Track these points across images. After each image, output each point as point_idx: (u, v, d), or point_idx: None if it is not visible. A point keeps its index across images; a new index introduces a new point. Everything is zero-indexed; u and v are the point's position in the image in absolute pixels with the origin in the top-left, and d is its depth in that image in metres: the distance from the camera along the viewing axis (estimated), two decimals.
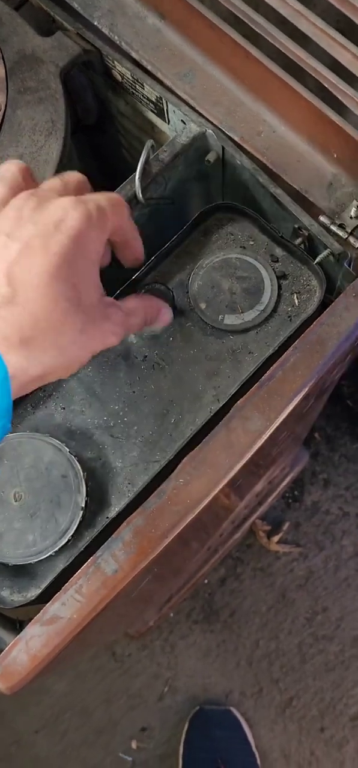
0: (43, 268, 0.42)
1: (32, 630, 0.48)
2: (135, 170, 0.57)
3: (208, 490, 0.50)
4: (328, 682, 1.24)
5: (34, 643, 0.48)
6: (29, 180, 0.47)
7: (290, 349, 0.53)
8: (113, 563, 0.49)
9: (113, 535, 0.50)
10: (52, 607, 0.49)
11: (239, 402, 0.52)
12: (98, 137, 0.77)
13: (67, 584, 0.49)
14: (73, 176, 0.48)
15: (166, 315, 0.54)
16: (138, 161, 0.58)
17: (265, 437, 0.51)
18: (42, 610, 0.49)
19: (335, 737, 1.21)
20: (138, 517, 0.50)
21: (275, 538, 1.30)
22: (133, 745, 1.24)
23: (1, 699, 1.27)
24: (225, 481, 0.51)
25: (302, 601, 1.28)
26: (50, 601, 0.49)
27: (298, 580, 1.29)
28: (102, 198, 0.46)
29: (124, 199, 0.49)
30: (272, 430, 0.51)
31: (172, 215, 0.65)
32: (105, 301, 0.47)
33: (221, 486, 0.51)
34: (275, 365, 0.52)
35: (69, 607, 0.49)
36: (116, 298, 0.58)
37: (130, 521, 0.50)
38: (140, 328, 0.52)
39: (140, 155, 0.58)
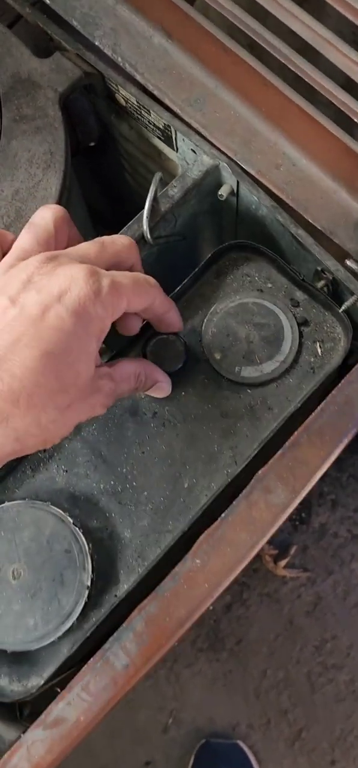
0: (35, 343, 0.38)
1: (34, 734, 0.44)
2: (141, 202, 0.52)
3: (227, 571, 0.45)
4: (338, 712, 1.19)
5: (36, 749, 0.43)
6: (63, 232, 0.44)
7: (317, 411, 0.48)
8: (124, 657, 0.44)
9: (124, 625, 0.45)
10: (57, 708, 0.44)
11: (260, 472, 0.47)
12: (99, 159, 0.72)
13: (72, 681, 0.44)
14: (114, 244, 0.44)
15: (164, 387, 0.51)
16: (145, 197, 0.53)
17: (290, 510, 0.46)
18: (45, 711, 0.44)
19: None
20: (151, 603, 0.45)
21: (282, 563, 1.26)
22: None
23: None
24: (246, 562, 0.46)
25: (311, 628, 1.23)
26: (54, 701, 0.44)
27: (306, 606, 1.25)
28: (124, 277, 0.41)
29: (131, 239, 0.45)
30: (297, 503, 0.46)
31: (183, 251, 0.60)
32: (99, 372, 0.43)
33: (241, 567, 0.46)
34: (299, 430, 0.48)
35: (75, 707, 0.44)
36: (124, 348, 0.54)
37: (142, 608, 0.45)
38: (131, 393, 0.49)
39: (148, 190, 0.53)
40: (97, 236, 0.45)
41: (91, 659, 0.44)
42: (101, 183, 0.76)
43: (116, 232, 0.53)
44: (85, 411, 0.43)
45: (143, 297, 0.43)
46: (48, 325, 0.37)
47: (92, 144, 0.67)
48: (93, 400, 0.43)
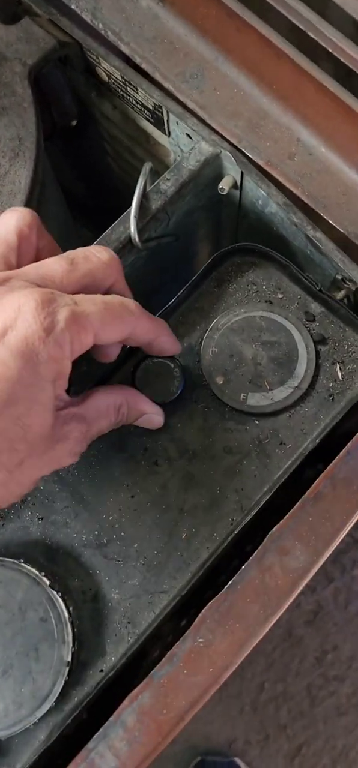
0: None
1: None
2: (126, 192, 0.44)
3: (236, 651, 0.38)
4: (340, 727, 1.13)
5: None
6: (29, 243, 0.36)
7: (342, 454, 0.40)
8: (112, 759, 0.37)
9: (111, 718, 0.37)
10: None
11: (275, 529, 0.39)
12: (79, 142, 0.62)
13: None
14: (88, 261, 0.35)
15: (153, 420, 0.43)
16: (132, 187, 0.44)
17: (310, 576, 0.38)
18: None
19: None
20: (144, 691, 0.37)
21: None
22: None
23: None
24: (258, 639, 0.38)
25: (311, 638, 1.17)
26: None
27: (306, 615, 1.18)
28: (93, 304, 0.33)
29: (116, 244, 0.36)
30: (319, 566, 0.38)
31: (176, 254, 0.51)
32: (62, 417, 0.35)
33: (252, 645, 0.38)
34: (321, 477, 0.40)
35: None
36: (109, 372, 0.45)
37: (134, 698, 0.37)
38: (112, 428, 0.41)
39: (135, 180, 0.44)
40: (79, 234, 0.36)
41: (72, 762, 0.37)
42: (81, 170, 0.67)
43: (101, 227, 0.45)
44: (46, 465, 0.36)
45: (117, 328, 0.35)
46: None
47: (73, 124, 0.58)
48: (58, 452, 0.36)
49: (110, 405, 0.39)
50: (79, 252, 0.35)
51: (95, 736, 0.37)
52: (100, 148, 0.61)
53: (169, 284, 0.55)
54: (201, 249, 0.55)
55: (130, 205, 0.44)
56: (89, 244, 0.39)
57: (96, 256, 0.35)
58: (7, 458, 0.32)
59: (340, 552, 1.20)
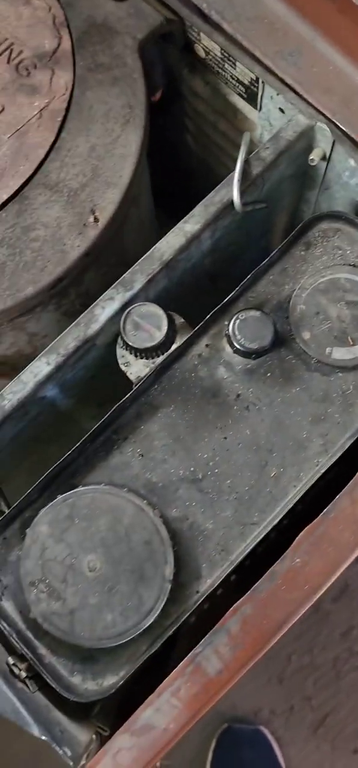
0: None
1: (121, 741, 0.40)
2: (201, 169, 0.48)
3: (329, 572, 0.42)
4: None
5: (123, 757, 0.40)
6: None
7: None
8: (217, 662, 0.41)
9: (216, 626, 0.41)
10: (144, 714, 0.40)
11: None
12: (160, 117, 0.66)
13: (161, 686, 0.41)
14: None
15: None
16: (207, 162, 0.48)
17: None
18: (132, 717, 0.40)
19: None
20: (246, 604, 0.41)
21: None
22: (157, 763, 1.17)
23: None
24: (349, 563, 0.42)
25: (338, 614, 1.21)
26: (142, 706, 0.40)
27: (333, 592, 1.22)
28: None
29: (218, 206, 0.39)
30: None
31: (260, 221, 0.55)
32: None
33: (343, 568, 0.42)
34: None
35: (164, 714, 0.40)
36: (205, 324, 0.49)
37: (237, 609, 0.41)
38: None
39: (211, 154, 0.48)
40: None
41: (181, 663, 0.41)
42: (157, 148, 0.70)
43: (167, 209, 0.47)
44: None
45: None
46: None
47: (155, 98, 0.62)
48: None
49: None
50: None
51: (202, 641, 0.41)
52: (182, 126, 0.65)
53: (249, 253, 0.59)
54: (280, 220, 0.59)
55: (199, 191, 0.48)
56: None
57: None
58: None
59: None
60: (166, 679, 0.40)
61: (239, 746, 1.14)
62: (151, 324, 0.47)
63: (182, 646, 0.45)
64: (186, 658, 0.41)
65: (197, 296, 0.56)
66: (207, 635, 0.41)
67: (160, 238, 0.48)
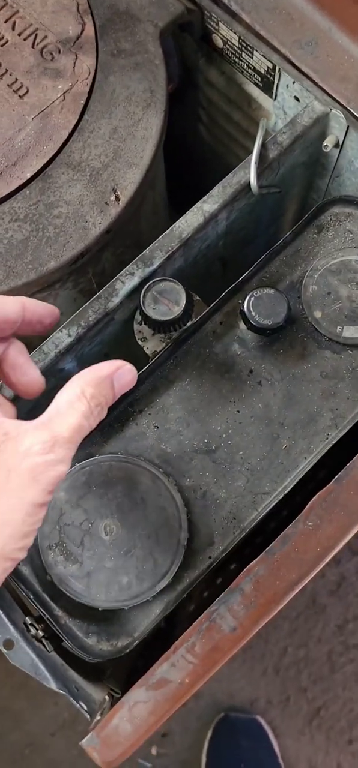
0: None
1: (137, 694, 0.41)
2: (213, 159, 0.50)
3: (340, 536, 0.43)
4: None
5: (139, 710, 0.41)
6: None
7: None
8: (231, 620, 0.42)
9: (231, 586, 0.43)
10: (160, 669, 0.42)
11: None
12: (174, 108, 0.68)
13: (177, 642, 0.42)
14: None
15: (123, 378, 0.40)
16: (219, 153, 0.50)
17: None
18: (148, 672, 0.42)
19: None
20: (260, 565, 0.43)
21: None
22: (153, 751, 1.18)
23: (15, 698, 1.20)
24: None
25: (333, 607, 1.23)
26: (158, 662, 0.42)
27: (329, 585, 1.24)
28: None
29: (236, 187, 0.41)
30: None
31: (272, 206, 0.57)
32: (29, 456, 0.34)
33: (354, 532, 0.44)
34: None
35: (180, 669, 0.42)
36: (220, 301, 0.51)
37: (251, 570, 0.43)
38: (92, 419, 0.38)
39: (223, 145, 0.50)
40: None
41: (197, 620, 0.42)
42: (170, 138, 0.72)
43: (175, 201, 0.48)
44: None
45: None
46: None
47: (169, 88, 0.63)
48: (26, 501, 0.34)
49: (76, 403, 0.37)
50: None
51: (217, 600, 0.43)
52: (195, 116, 0.67)
53: (258, 240, 0.60)
54: (289, 208, 0.61)
55: (210, 185, 0.50)
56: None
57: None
58: None
59: None
60: (183, 635, 0.42)
61: (235, 735, 1.16)
62: (169, 299, 0.49)
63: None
64: (202, 615, 0.42)
65: (206, 279, 0.57)
66: (222, 594, 0.42)
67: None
